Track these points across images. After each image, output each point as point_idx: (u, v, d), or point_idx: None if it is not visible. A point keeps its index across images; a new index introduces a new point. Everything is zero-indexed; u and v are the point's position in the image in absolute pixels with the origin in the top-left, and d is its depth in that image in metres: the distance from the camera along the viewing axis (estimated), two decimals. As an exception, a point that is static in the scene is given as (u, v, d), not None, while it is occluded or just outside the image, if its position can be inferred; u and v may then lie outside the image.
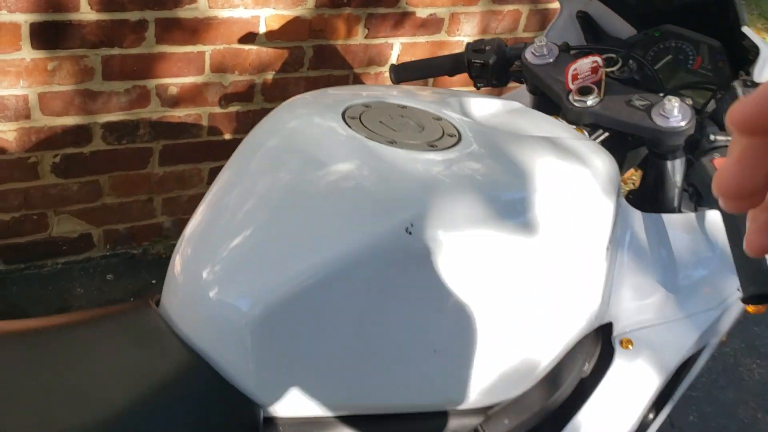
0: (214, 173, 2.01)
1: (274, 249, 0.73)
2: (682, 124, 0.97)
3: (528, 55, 1.14)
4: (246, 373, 0.73)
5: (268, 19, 1.80)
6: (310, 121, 0.82)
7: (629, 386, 0.96)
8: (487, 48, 1.21)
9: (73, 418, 0.67)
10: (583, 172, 0.87)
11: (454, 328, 0.77)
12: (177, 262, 0.78)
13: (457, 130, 0.87)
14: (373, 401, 0.78)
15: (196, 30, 1.73)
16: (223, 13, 1.74)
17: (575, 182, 0.85)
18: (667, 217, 1.03)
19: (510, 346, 0.82)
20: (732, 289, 1.04)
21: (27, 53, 1.58)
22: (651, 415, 1.17)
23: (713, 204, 0.95)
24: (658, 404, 1.17)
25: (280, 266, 0.72)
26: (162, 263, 2.03)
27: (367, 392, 0.78)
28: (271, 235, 0.74)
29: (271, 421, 0.75)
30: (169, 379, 0.71)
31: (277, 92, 1.95)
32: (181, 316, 0.76)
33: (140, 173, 1.92)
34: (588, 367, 0.97)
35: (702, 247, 1.04)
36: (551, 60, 1.12)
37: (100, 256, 2.01)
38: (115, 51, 1.68)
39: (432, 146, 0.82)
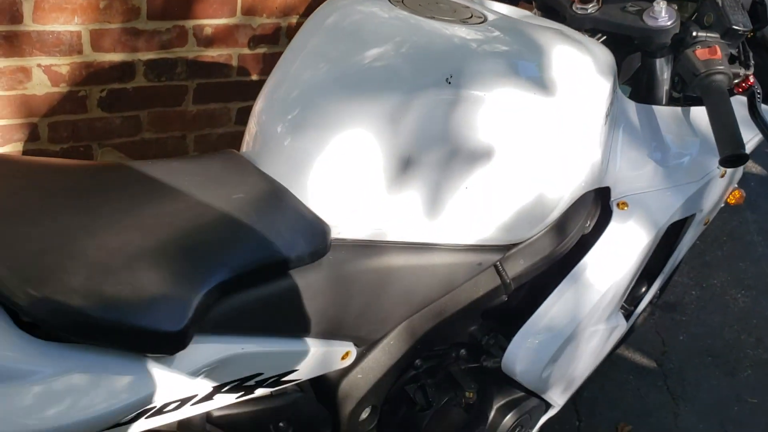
0: (242, 113, 2.18)
1: (337, 100, 0.92)
2: (669, 23, 1.15)
3: None
4: (320, 200, 0.91)
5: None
6: (362, 2, 1.01)
7: (624, 241, 1.14)
8: None
9: (177, 234, 0.84)
10: (585, 54, 1.05)
11: (482, 168, 0.96)
12: (257, 116, 0.96)
13: (484, 14, 1.05)
14: (416, 231, 0.97)
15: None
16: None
17: (579, 60, 1.04)
18: (657, 108, 1.22)
19: (527, 190, 1.00)
20: (712, 166, 1.22)
21: (82, -9, 1.76)
22: (643, 288, 1.36)
23: (696, 89, 1.13)
24: (649, 278, 1.36)
25: (342, 113, 0.91)
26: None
27: (411, 223, 0.96)
28: (333, 90, 0.93)
29: (336, 240, 0.94)
30: (256, 203, 0.90)
31: (300, 36, 2.12)
32: (262, 156, 0.94)
33: (176, 110, 2.09)
34: (590, 225, 1.15)
35: (686, 134, 1.23)
36: None
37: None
38: (158, -8, 1.85)
39: (464, 22, 1.00)
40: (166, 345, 0.74)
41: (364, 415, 1.08)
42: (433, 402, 1.14)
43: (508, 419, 1.21)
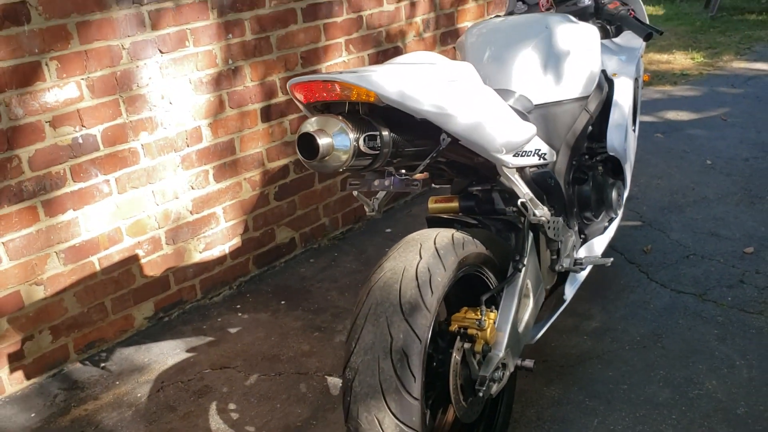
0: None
1: (526, 51, 2.21)
2: (588, 2, 2.56)
3: (516, 10, 2.73)
4: (530, 88, 2.17)
5: None
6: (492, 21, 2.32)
7: (624, 85, 2.48)
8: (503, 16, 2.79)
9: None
10: (589, 25, 2.42)
11: (575, 63, 2.26)
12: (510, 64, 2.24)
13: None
14: (560, 94, 2.23)
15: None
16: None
17: (591, 28, 2.39)
18: (610, 41, 2.62)
19: (590, 71, 2.31)
20: (638, 48, 2.63)
21: (260, 126, 2.93)
22: (635, 127, 2.69)
23: (618, 20, 2.53)
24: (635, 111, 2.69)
25: (531, 55, 2.19)
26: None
27: (550, 92, 2.23)
28: (521, 48, 2.21)
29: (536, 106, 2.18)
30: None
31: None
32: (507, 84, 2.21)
33: (310, 192, 3.23)
34: (609, 86, 2.47)
35: (623, 47, 2.63)
36: (529, 6, 2.70)
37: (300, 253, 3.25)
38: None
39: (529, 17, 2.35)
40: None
41: (568, 177, 2.24)
42: (589, 176, 2.33)
43: (615, 190, 2.45)
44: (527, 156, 1.93)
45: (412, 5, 3.46)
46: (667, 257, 3.00)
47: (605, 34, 2.69)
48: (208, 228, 2.85)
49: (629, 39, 2.68)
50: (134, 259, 2.63)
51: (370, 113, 1.55)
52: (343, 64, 3.20)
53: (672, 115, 4.77)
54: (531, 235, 1.98)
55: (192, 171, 2.74)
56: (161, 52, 2.54)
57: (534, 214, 1.87)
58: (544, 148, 2.05)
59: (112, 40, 2.39)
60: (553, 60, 2.18)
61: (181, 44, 2.59)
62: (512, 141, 1.78)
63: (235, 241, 2.97)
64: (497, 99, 1.74)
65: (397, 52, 3.44)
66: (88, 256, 2.49)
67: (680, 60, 6.13)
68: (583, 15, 2.53)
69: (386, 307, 1.58)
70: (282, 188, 3.10)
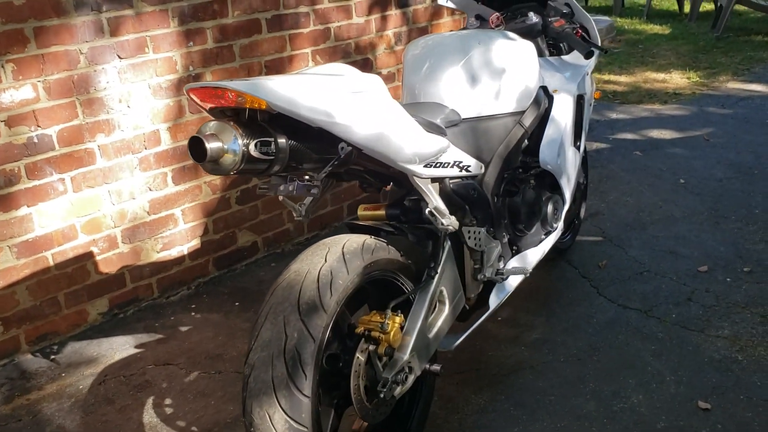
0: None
1: (453, 62, 2.27)
2: (535, 19, 2.61)
3: (469, 26, 2.79)
4: (451, 100, 2.23)
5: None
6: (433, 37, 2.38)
7: (562, 103, 2.52)
8: None
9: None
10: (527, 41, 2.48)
11: (505, 76, 2.31)
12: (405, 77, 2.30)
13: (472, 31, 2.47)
14: (490, 108, 2.28)
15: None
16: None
17: (516, 40, 2.45)
18: (558, 58, 2.67)
19: (523, 85, 2.36)
20: (583, 66, 2.67)
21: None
22: (579, 143, 2.72)
23: (563, 38, 2.57)
24: (578, 133, 2.72)
25: (457, 66, 2.26)
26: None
27: (478, 105, 2.28)
28: (449, 60, 2.27)
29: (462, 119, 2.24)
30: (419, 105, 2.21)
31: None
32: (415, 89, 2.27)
33: (274, 198, 3.31)
34: (548, 101, 2.51)
35: (567, 64, 2.67)
36: (481, 23, 2.76)
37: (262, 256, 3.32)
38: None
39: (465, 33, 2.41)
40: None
41: (497, 198, 2.29)
42: (520, 189, 2.37)
43: (551, 204, 2.48)
44: (444, 167, 1.98)
45: (383, 18, 3.53)
46: (621, 273, 3.02)
47: (557, 51, 2.73)
48: (165, 229, 2.94)
49: (577, 56, 2.73)
50: (89, 256, 2.72)
51: (270, 120, 1.61)
52: (310, 74, 3.28)
53: (655, 133, 4.78)
54: (449, 243, 2.02)
55: (149, 173, 2.83)
56: (120, 57, 2.64)
57: (441, 223, 1.91)
58: (468, 160, 2.10)
59: (69, 45, 2.49)
60: (484, 75, 2.23)
61: (140, 50, 2.69)
62: (421, 152, 1.84)
63: (195, 243, 3.05)
64: (402, 112, 1.79)
65: (366, 63, 3.51)
66: (41, 251, 2.58)
67: (676, 79, 6.12)
68: (530, 32, 2.58)
69: (285, 307, 1.63)
70: (244, 193, 3.18)
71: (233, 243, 3.19)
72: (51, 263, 2.62)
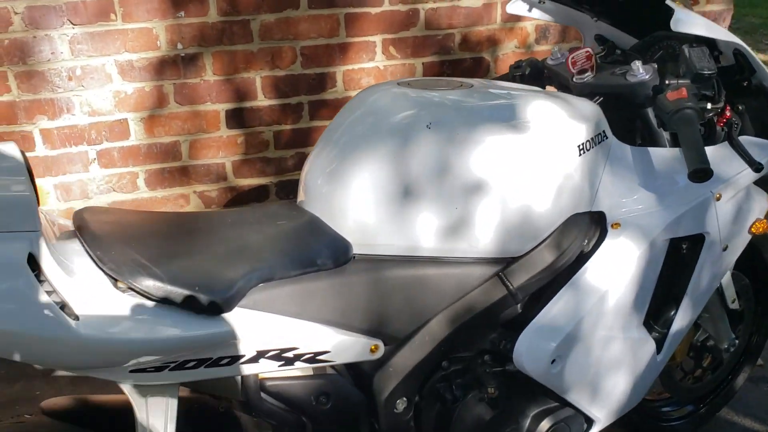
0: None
1: (357, 157, 1.24)
2: (646, 77, 1.37)
3: (548, 60, 1.61)
4: (344, 225, 1.21)
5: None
6: (379, 90, 1.35)
7: (618, 253, 1.30)
8: (523, 64, 1.69)
9: (237, 246, 1.17)
10: (557, 105, 1.30)
11: (470, 194, 1.21)
12: (305, 172, 1.32)
13: (472, 83, 1.35)
14: (424, 246, 1.22)
15: (337, 107, 2.36)
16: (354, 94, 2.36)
17: (549, 109, 1.29)
18: (652, 150, 1.40)
19: (512, 211, 1.23)
20: (701, 191, 1.37)
21: (224, 132, 2.29)
22: (672, 311, 1.45)
23: (670, 124, 1.31)
24: (676, 301, 1.45)
25: (359, 166, 1.23)
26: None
27: (419, 239, 1.22)
28: (356, 151, 1.25)
29: (359, 255, 1.22)
30: (293, 227, 1.22)
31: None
32: (307, 199, 1.28)
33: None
34: (588, 245, 1.33)
35: (676, 169, 1.39)
36: (563, 60, 1.57)
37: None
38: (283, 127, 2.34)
39: (453, 88, 1.31)
40: (215, 308, 1.05)
41: (400, 406, 1.27)
42: (459, 397, 1.31)
43: (543, 425, 1.34)
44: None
45: (516, 3, 2.38)
46: None
47: (653, 141, 1.45)
48: (133, 239, 2.35)
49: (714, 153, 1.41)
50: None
51: None
52: (377, 70, 2.35)
53: None
54: None
55: (112, 170, 2.23)
56: (72, 23, 2.02)
57: None
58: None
59: None
60: (447, 174, 1.20)
61: (103, 17, 2.04)
62: None
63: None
64: None
65: (479, 66, 2.43)
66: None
67: None
68: (632, 98, 1.38)
69: None
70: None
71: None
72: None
